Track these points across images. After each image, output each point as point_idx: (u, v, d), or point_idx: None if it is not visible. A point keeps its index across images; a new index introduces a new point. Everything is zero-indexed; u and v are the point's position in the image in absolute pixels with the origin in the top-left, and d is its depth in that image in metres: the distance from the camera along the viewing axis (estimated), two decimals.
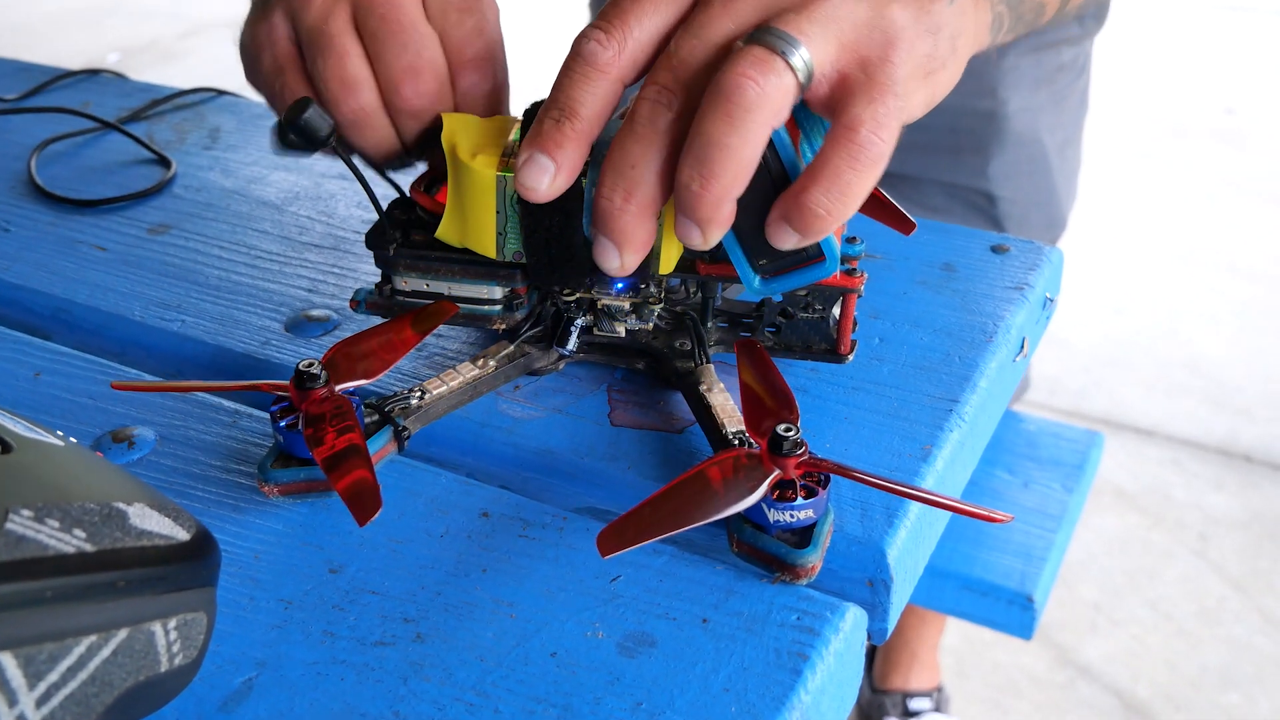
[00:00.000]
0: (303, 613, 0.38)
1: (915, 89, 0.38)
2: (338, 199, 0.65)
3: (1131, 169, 2.83)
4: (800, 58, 0.36)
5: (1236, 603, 1.60)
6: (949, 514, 0.46)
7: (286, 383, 0.42)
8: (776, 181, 0.38)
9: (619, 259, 0.39)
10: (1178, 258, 2.50)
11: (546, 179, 0.38)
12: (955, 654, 1.50)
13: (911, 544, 0.41)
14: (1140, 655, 1.52)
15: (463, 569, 0.39)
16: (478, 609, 0.37)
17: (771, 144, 0.38)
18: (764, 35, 0.36)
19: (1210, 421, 1.98)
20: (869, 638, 0.39)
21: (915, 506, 0.41)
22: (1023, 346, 0.53)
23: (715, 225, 0.37)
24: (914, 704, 1.32)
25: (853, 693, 0.39)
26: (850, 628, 0.37)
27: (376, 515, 0.36)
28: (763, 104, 0.35)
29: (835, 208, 0.36)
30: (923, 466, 0.43)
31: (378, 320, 0.48)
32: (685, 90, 0.37)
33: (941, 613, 1.12)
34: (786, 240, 0.38)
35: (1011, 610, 0.86)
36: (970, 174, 0.92)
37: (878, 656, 1.36)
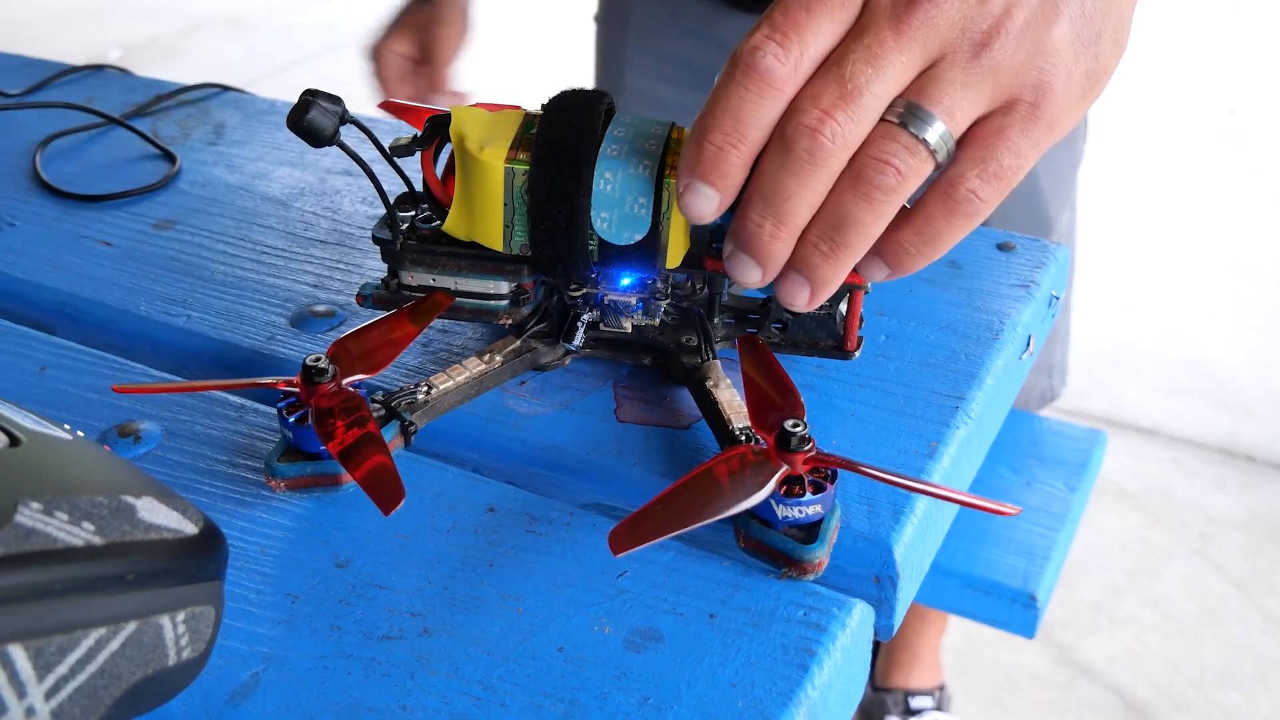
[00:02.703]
0: (309, 607, 0.38)
1: (1070, 115, 0.38)
2: (343, 194, 0.65)
3: (1132, 169, 2.83)
4: (940, 139, 0.36)
5: (1237, 602, 1.60)
6: (955, 510, 0.46)
7: (290, 379, 0.42)
8: None
9: (760, 275, 0.39)
10: (1179, 257, 2.50)
11: (711, 206, 0.37)
12: (956, 652, 1.50)
13: (918, 540, 0.41)
14: (1141, 654, 1.52)
15: (469, 564, 0.39)
16: (485, 604, 0.37)
17: None
18: (910, 119, 0.36)
19: (1212, 421, 1.98)
20: (875, 634, 0.39)
21: (922, 502, 0.41)
22: (1028, 344, 0.53)
23: (825, 289, 0.38)
24: (916, 702, 1.32)
25: (859, 689, 0.39)
26: (857, 624, 0.37)
27: (401, 503, 0.36)
28: (901, 188, 0.36)
29: (925, 250, 0.38)
30: (929, 464, 0.43)
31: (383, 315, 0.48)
32: (851, 122, 0.35)
33: (944, 611, 1.12)
34: (877, 273, 0.39)
35: (1014, 609, 0.86)
36: None
37: (879, 655, 1.36)
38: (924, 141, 0.36)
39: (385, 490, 0.37)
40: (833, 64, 0.35)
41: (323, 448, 0.40)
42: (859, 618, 0.37)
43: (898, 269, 0.39)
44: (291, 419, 0.41)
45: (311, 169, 0.69)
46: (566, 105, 0.43)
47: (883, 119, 0.36)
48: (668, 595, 0.38)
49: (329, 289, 0.56)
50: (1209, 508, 1.78)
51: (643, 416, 0.46)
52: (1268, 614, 1.58)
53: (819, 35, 0.35)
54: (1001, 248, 0.57)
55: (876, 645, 1.37)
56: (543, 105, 0.44)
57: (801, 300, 0.38)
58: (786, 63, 0.35)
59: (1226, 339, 2.21)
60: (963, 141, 0.37)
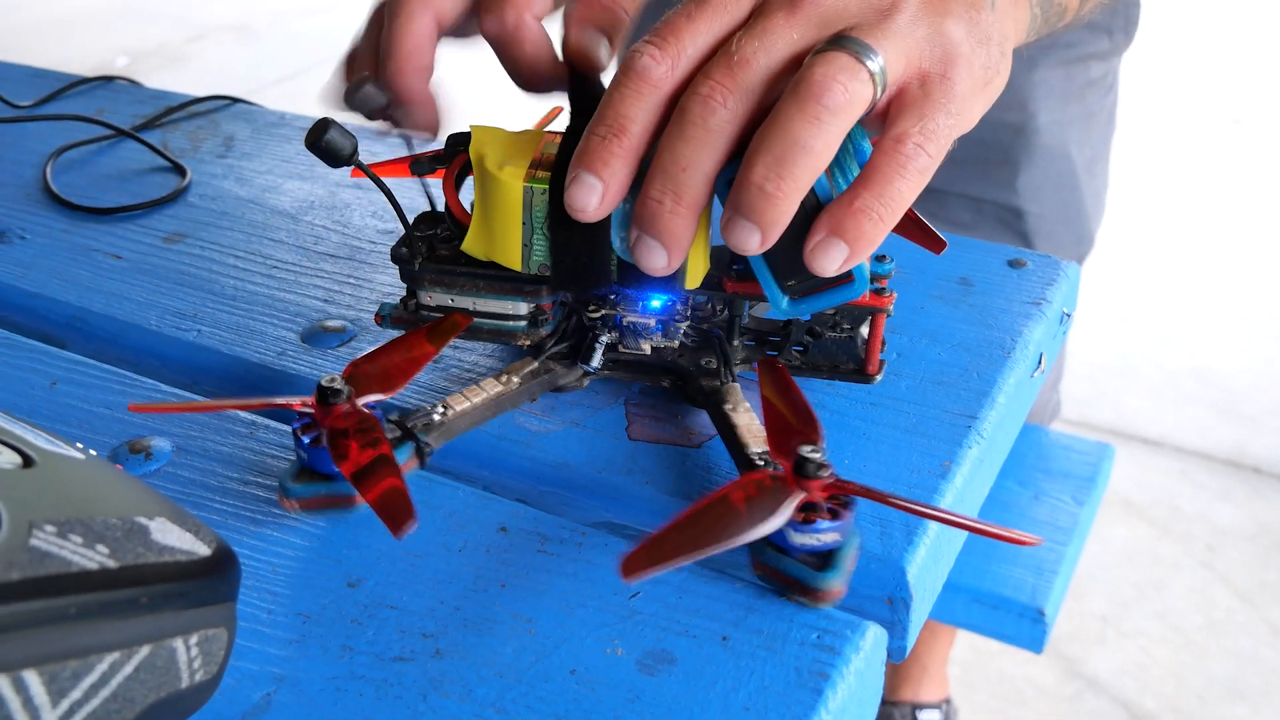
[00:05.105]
0: (321, 627, 0.37)
1: (975, 101, 0.40)
2: (353, 208, 0.65)
3: (1137, 178, 2.83)
4: (879, 67, 0.37)
5: (1244, 614, 1.60)
6: (965, 532, 0.46)
7: (307, 399, 0.41)
8: (807, 205, 0.38)
9: (666, 258, 0.39)
10: (1185, 267, 2.50)
11: (595, 198, 0.38)
12: (962, 665, 1.50)
13: (931, 562, 0.41)
14: (1148, 667, 1.51)
15: (481, 584, 0.39)
16: (497, 625, 0.37)
17: None
18: (847, 43, 0.37)
19: (1218, 432, 1.97)
20: (888, 656, 0.39)
21: (935, 524, 0.41)
22: (1040, 362, 0.53)
23: (777, 229, 0.37)
24: (923, 716, 1.31)
25: (872, 712, 0.38)
26: (871, 646, 0.37)
27: (412, 526, 0.36)
28: (847, 109, 0.36)
29: (885, 213, 0.37)
30: (942, 483, 0.43)
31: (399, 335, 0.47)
32: (742, 91, 0.37)
33: (952, 625, 1.12)
34: (834, 260, 0.37)
35: (1022, 623, 0.85)
36: (998, 188, 0.92)
37: (887, 668, 1.36)
38: (863, 62, 0.36)
39: (396, 513, 0.36)
40: (723, 46, 0.38)
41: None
42: (872, 640, 0.37)
43: (857, 242, 0.37)
44: (306, 439, 0.41)
45: (321, 182, 0.69)
46: (580, 129, 0.43)
47: (819, 51, 0.37)
48: (680, 617, 0.37)
49: (339, 304, 0.56)
50: (1216, 519, 1.78)
51: (654, 435, 0.46)
52: (1275, 626, 1.58)
53: (698, 37, 0.38)
54: (1013, 265, 0.57)
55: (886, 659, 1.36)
56: (566, 130, 0.44)
57: (753, 244, 0.37)
58: (663, 62, 0.38)
59: (1233, 349, 2.20)
60: (891, 110, 0.38)
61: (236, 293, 0.57)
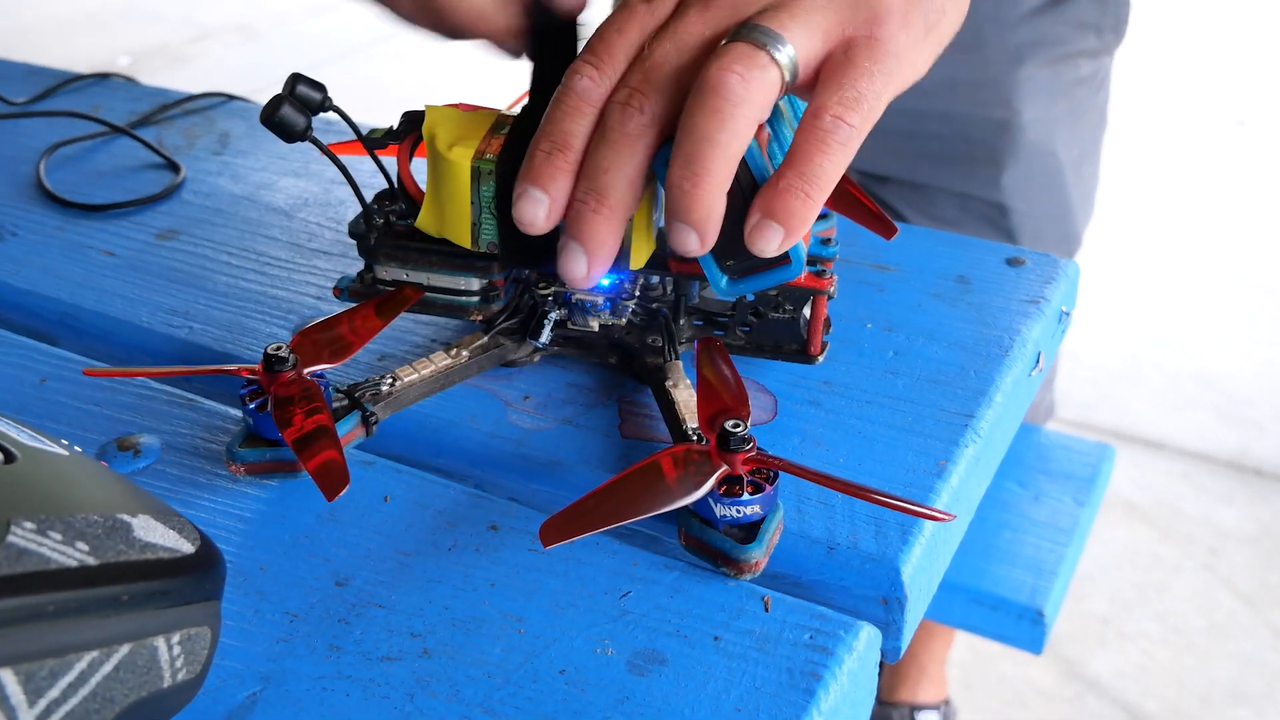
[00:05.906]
0: (308, 626, 0.37)
1: (916, 52, 0.39)
2: (347, 205, 0.65)
3: (1140, 180, 2.82)
4: (784, 52, 0.37)
5: (1246, 617, 1.59)
6: (963, 529, 0.45)
7: (253, 366, 0.42)
8: (744, 186, 0.38)
9: (586, 267, 0.39)
10: (1188, 270, 2.49)
11: (542, 211, 0.38)
12: (961, 666, 1.49)
13: (926, 561, 0.40)
14: (1149, 669, 1.51)
15: (471, 583, 0.39)
16: (486, 624, 0.37)
17: None
18: (747, 32, 0.37)
19: (1220, 434, 1.97)
20: (882, 657, 0.39)
21: (930, 524, 0.41)
22: (1038, 361, 0.52)
23: (709, 226, 0.37)
24: (921, 717, 1.31)
25: (865, 713, 0.38)
26: (864, 647, 0.36)
27: (345, 490, 0.37)
28: (748, 98, 0.36)
29: (812, 190, 0.37)
30: (938, 483, 0.43)
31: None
32: (657, 92, 0.37)
33: (950, 626, 1.11)
34: (771, 241, 0.37)
35: (1021, 624, 0.85)
36: (982, 184, 0.91)
37: (885, 669, 1.35)
38: (763, 48, 0.36)
39: (332, 479, 0.38)
40: (640, 53, 0.38)
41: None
42: (866, 641, 0.37)
43: (789, 221, 0.37)
44: (252, 405, 0.42)
45: (316, 179, 0.68)
46: (536, 109, 0.43)
47: (723, 44, 0.37)
48: (671, 617, 0.37)
49: (332, 301, 0.56)
50: (1218, 521, 1.77)
51: (646, 433, 0.46)
52: (1277, 629, 1.57)
53: (629, 46, 0.39)
54: (1011, 263, 0.57)
55: (882, 660, 1.35)
56: (523, 108, 0.44)
57: (692, 247, 0.37)
58: (600, 82, 0.38)
59: (1235, 352, 2.20)
60: (816, 81, 0.38)
61: (229, 290, 0.57)
